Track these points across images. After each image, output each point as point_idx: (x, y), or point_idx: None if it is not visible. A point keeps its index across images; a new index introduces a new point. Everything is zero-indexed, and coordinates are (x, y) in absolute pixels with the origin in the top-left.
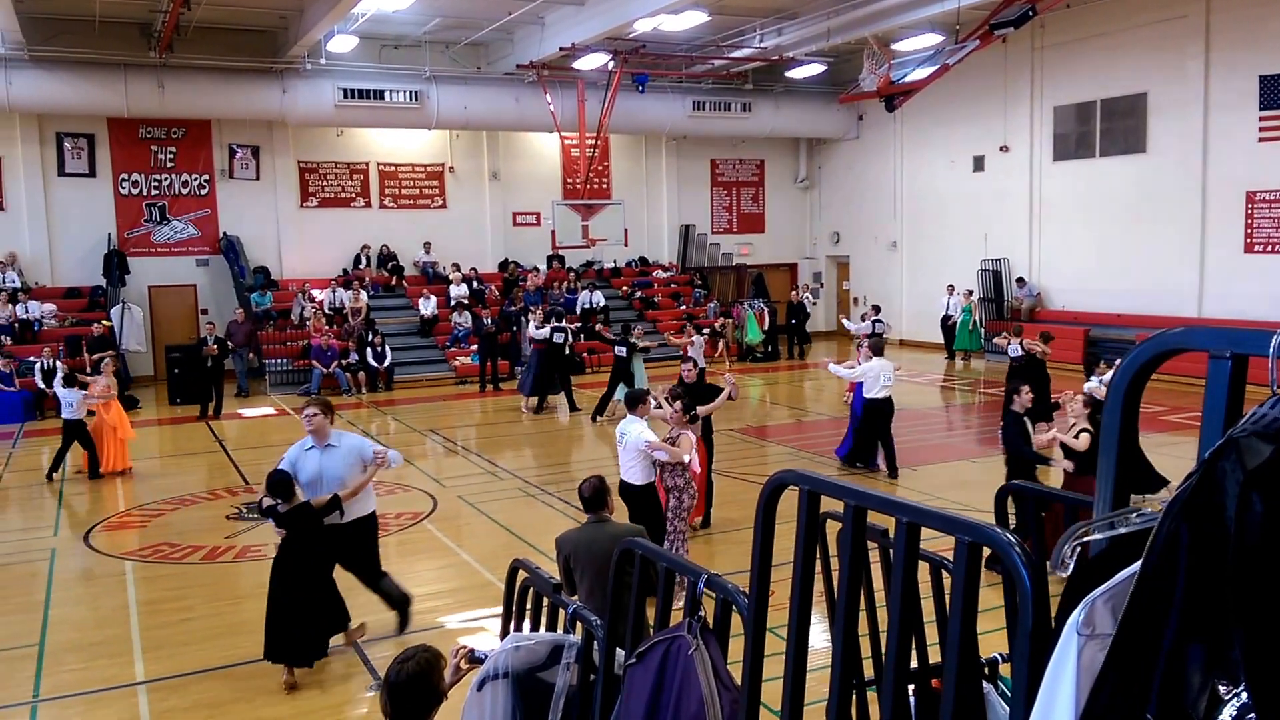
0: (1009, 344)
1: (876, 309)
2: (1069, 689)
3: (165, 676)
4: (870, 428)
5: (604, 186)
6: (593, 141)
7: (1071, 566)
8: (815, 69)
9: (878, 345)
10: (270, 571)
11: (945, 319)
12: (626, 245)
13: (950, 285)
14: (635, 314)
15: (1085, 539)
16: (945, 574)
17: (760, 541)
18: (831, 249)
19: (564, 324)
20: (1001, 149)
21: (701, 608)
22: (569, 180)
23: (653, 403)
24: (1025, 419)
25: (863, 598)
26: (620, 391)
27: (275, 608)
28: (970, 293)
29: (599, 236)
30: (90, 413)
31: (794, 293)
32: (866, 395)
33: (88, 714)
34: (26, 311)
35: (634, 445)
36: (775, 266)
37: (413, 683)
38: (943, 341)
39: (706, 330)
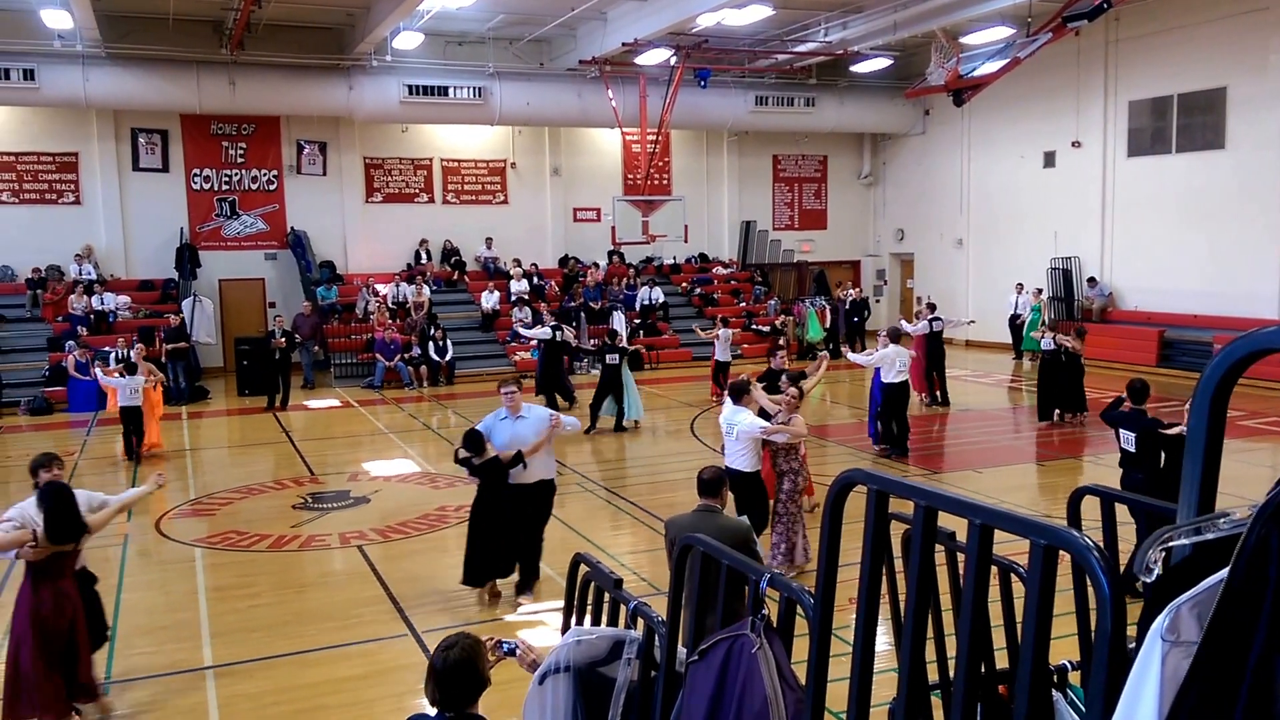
0: (1043, 338)
1: (932, 307)
2: (1152, 697)
3: (232, 662)
4: (889, 411)
5: (665, 182)
6: (654, 137)
7: (1156, 572)
8: (881, 63)
9: (895, 333)
10: (470, 513)
11: (1013, 318)
12: (686, 241)
13: (1019, 284)
14: (695, 310)
15: (1170, 543)
16: (1011, 577)
17: (827, 541)
18: (895, 246)
19: (559, 324)
20: (1074, 144)
21: (765, 606)
22: (630, 176)
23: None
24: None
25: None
26: (619, 402)
27: (477, 540)
28: (1039, 291)
29: (659, 232)
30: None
31: (840, 290)
32: (884, 380)
33: (158, 696)
34: (102, 303)
35: (746, 433)
36: (837, 264)
37: (459, 669)
38: (1010, 342)
39: (766, 328)
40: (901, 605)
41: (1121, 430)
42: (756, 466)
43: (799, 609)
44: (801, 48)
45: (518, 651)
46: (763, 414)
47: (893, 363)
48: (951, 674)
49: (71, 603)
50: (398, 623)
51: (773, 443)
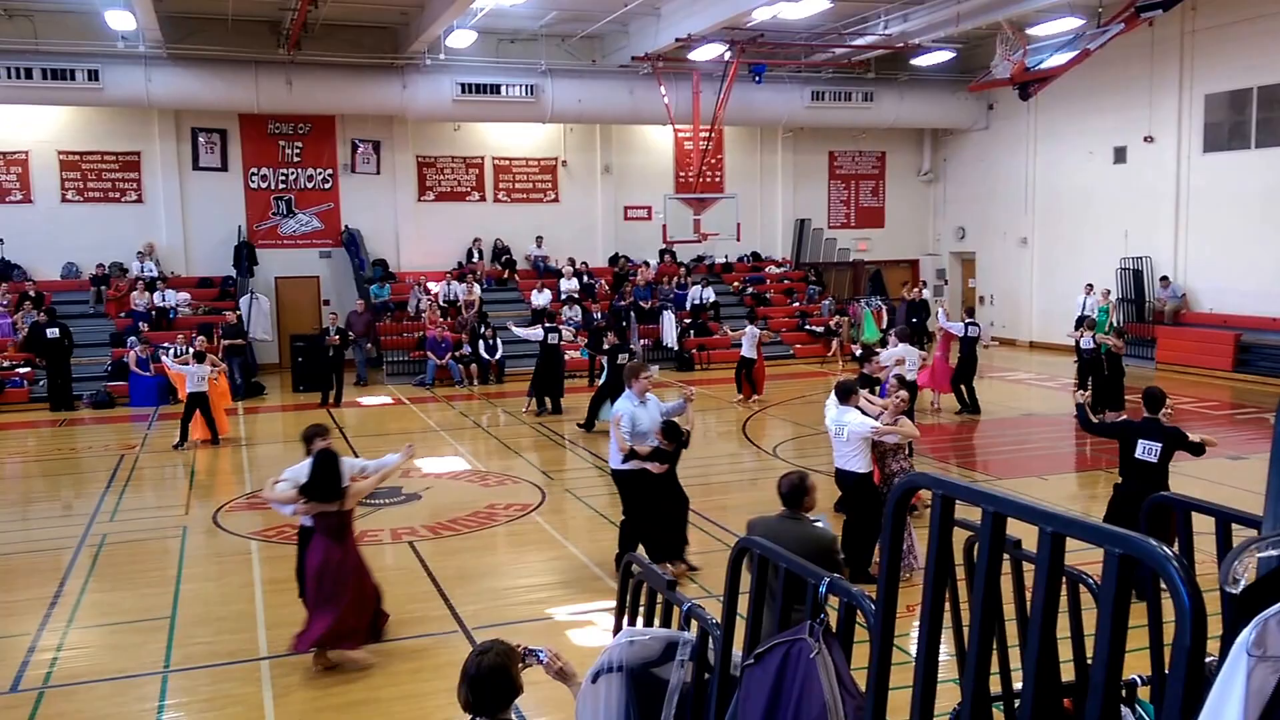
0: (1081, 337)
1: (970, 311)
2: (1235, 714)
3: (287, 654)
4: None
5: (717, 180)
6: (707, 134)
7: (1243, 583)
8: (943, 56)
9: (903, 332)
10: (646, 500)
11: (1081, 320)
12: (739, 240)
13: (1088, 285)
14: (747, 310)
15: (1258, 555)
16: (1079, 588)
17: (889, 546)
18: (956, 245)
19: (556, 324)
20: (1146, 140)
21: (824, 611)
22: (681, 174)
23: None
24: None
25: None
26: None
27: (661, 520)
28: (1108, 293)
29: (711, 231)
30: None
31: (906, 289)
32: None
33: (214, 685)
34: (163, 300)
35: (856, 434)
36: (895, 263)
37: (493, 674)
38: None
39: (820, 329)
40: (962, 614)
41: (1141, 440)
42: (869, 468)
43: (859, 615)
44: (860, 41)
45: (545, 659)
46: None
47: (901, 361)
48: (1014, 685)
49: (352, 556)
50: (448, 619)
51: (881, 444)
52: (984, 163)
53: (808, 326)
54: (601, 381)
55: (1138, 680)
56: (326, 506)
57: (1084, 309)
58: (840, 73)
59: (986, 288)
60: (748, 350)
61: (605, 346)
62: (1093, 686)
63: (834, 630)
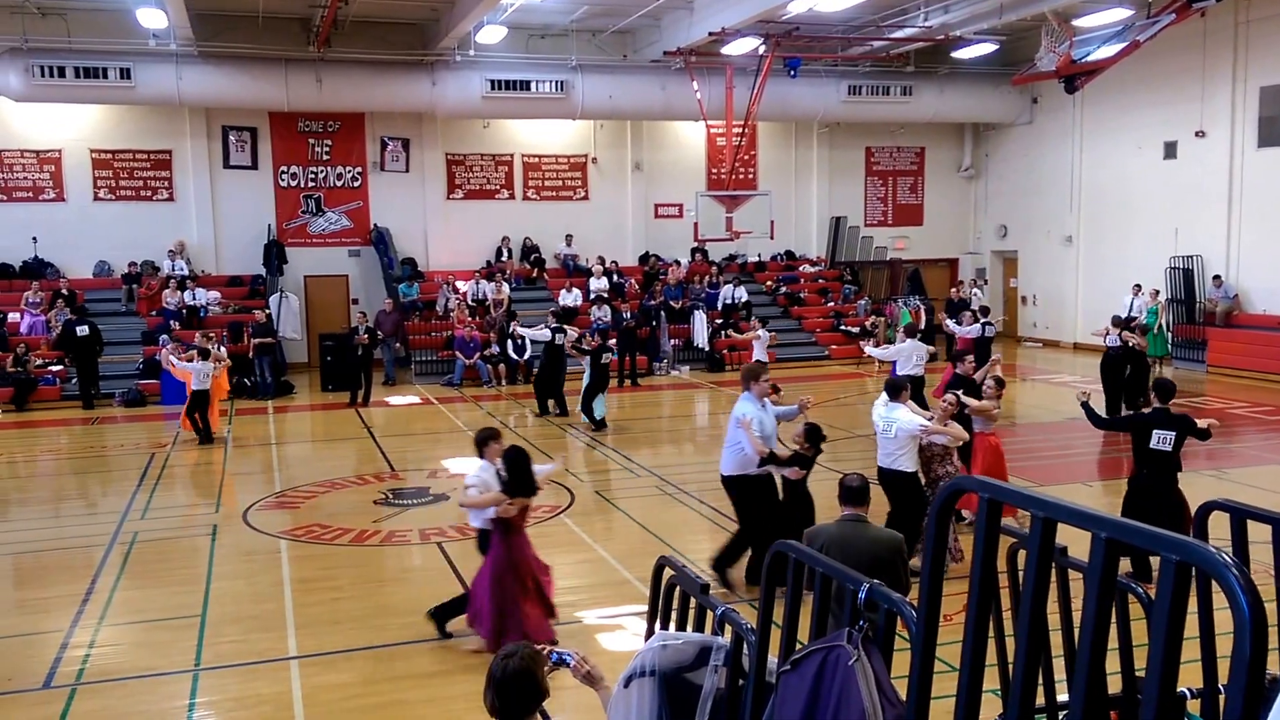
0: (1108, 335)
1: (985, 310)
2: None
3: (316, 653)
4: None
5: (750, 177)
6: (740, 130)
7: None
8: (985, 48)
9: (911, 329)
10: (766, 503)
11: (1126, 321)
12: (772, 238)
13: (1137, 285)
14: (780, 310)
15: None
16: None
17: (933, 552)
18: (997, 243)
19: (563, 325)
20: (1197, 134)
21: (863, 618)
22: (714, 171)
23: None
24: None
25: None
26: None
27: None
28: (1157, 293)
29: (744, 229)
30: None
31: (954, 290)
32: (899, 373)
33: (244, 684)
34: (194, 298)
35: (905, 431)
36: (934, 262)
37: (519, 678)
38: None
39: (855, 329)
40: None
41: (1157, 430)
42: (915, 467)
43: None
44: (899, 33)
45: (572, 663)
46: None
47: (909, 357)
48: (1058, 696)
49: (531, 547)
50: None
51: (930, 448)
52: (1027, 158)
53: (843, 327)
54: (586, 382)
55: (1188, 693)
56: (527, 501)
57: (1131, 310)
58: (878, 66)
59: (1029, 287)
60: (759, 354)
61: (586, 347)
62: (1145, 699)
63: (873, 637)
